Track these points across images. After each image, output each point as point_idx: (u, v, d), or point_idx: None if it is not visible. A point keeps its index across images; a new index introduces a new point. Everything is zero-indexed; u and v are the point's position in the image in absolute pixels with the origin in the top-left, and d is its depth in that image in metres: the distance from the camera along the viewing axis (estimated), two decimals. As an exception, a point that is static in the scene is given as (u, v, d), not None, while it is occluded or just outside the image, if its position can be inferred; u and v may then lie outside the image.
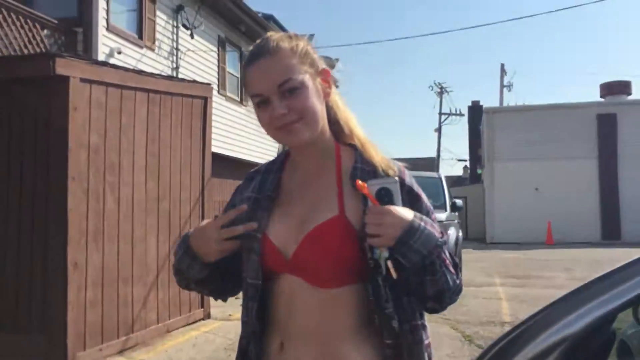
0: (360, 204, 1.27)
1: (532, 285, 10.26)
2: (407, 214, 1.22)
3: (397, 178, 1.28)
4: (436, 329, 6.66)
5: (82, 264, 4.96)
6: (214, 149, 7.90)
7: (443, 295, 1.27)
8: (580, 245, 19.52)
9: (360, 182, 1.24)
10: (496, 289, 10.08)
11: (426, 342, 1.31)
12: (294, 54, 1.31)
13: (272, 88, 1.28)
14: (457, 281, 1.29)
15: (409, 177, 1.36)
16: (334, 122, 1.39)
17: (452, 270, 1.29)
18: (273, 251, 1.29)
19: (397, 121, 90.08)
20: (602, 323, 1.12)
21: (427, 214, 1.31)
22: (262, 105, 1.30)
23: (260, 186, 1.40)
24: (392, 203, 1.23)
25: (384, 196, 1.23)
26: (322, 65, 1.36)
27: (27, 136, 4.98)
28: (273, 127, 1.30)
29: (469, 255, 15.42)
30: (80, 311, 4.89)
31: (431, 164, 30.74)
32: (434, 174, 12.22)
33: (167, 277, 6.06)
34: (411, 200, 1.31)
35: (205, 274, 1.37)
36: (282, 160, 1.44)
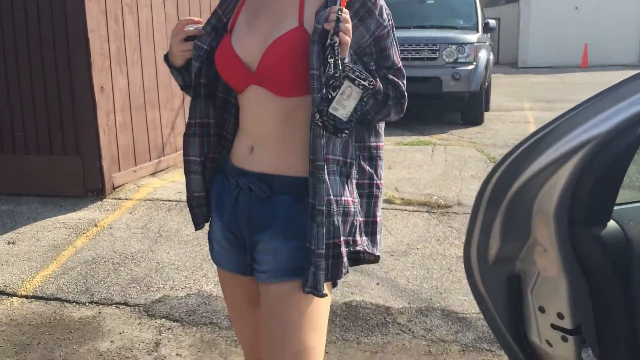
0: (320, 6, 1.31)
1: (561, 109, 10.01)
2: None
3: None
4: (461, 151, 6.72)
5: (108, 89, 4.97)
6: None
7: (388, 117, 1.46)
8: (616, 68, 18.91)
9: None
10: (525, 113, 9.99)
11: (379, 161, 1.47)
12: None
13: None
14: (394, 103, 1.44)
15: None
16: None
17: (389, 97, 1.42)
18: (239, 65, 1.38)
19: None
20: (629, 124, 1.07)
21: (377, 30, 1.35)
22: None
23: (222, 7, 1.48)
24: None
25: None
26: None
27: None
28: None
29: (498, 80, 15.13)
30: (111, 134, 5.01)
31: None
32: (466, -7, 11.54)
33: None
34: (363, 13, 1.33)
35: (187, 82, 1.56)
36: None
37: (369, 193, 1.45)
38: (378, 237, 1.46)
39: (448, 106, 8.99)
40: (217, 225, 1.53)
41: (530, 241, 1.17)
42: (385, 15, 1.36)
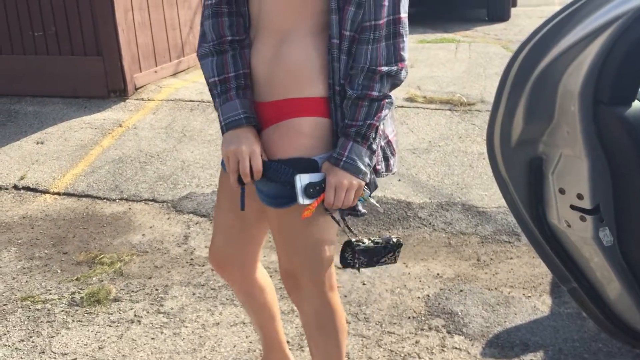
0: None
1: (593, 3, 9.69)
2: (349, 178, 1.32)
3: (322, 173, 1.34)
4: (486, 49, 6.55)
5: (124, -13, 4.88)
6: None
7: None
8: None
9: (306, 209, 1.33)
10: (554, 8, 9.59)
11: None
12: None
13: None
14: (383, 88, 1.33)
15: None
16: None
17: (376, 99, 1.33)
18: None
19: None
20: None
21: None
22: None
23: None
24: (323, 189, 1.33)
25: (315, 188, 1.32)
26: None
27: None
28: None
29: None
30: (130, 34, 4.96)
31: None
32: None
33: None
34: None
35: None
36: None
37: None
38: (392, 160, 1.49)
39: (474, 1, 8.68)
40: None
41: (554, 122, 1.17)
42: None
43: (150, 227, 3.14)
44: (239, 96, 1.38)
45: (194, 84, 5.36)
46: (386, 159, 1.47)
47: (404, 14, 1.30)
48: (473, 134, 4.15)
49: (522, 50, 1.14)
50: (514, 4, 9.25)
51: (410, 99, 4.78)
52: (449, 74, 5.55)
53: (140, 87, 5.12)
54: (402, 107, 4.61)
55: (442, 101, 4.78)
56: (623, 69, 1.08)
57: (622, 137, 1.12)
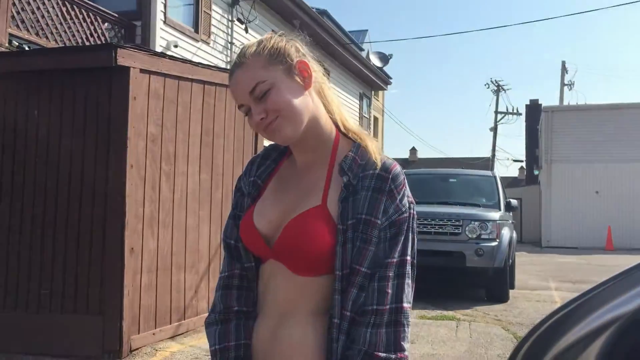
0: (340, 193, 1.33)
1: (589, 289, 9.92)
2: None
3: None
4: (487, 329, 6.53)
5: (137, 250, 5.09)
6: (266, 142, 7.97)
7: None
8: (641, 251, 18.76)
9: None
10: (551, 293, 9.81)
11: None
12: (260, 57, 1.35)
13: (247, 97, 1.34)
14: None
15: (396, 175, 1.35)
16: (330, 112, 1.43)
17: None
18: (258, 239, 1.38)
19: (451, 119, 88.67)
20: None
21: (395, 214, 1.33)
22: (248, 114, 1.37)
23: (257, 170, 1.49)
24: None
25: None
26: (297, 57, 1.38)
27: (89, 124, 5.14)
28: (260, 131, 1.38)
29: (523, 259, 15.05)
30: (135, 295, 5.03)
31: (486, 164, 30.11)
32: (487, 172, 11.96)
33: (218, 266, 6.16)
34: (386, 199, 1.33)
35: None
36: (285, 147, 1.48)
37: None
38: None
39: (472, 281, 8.91)
40: None
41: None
42: (406, 201, 1.35)
43: None
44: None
45: (191, 347, 5.25)
46: None
47: (407, 304, 1.31)
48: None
49: (523, 346, 1.15)
50: (512, 286, 9.46)
51: (411, 378, 4.62)
52: (450, 353, 5.44)
53: (136, 349, 5.01)
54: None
55: (444, 382, 4.60)
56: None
57: None
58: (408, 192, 1.37)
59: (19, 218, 5.19)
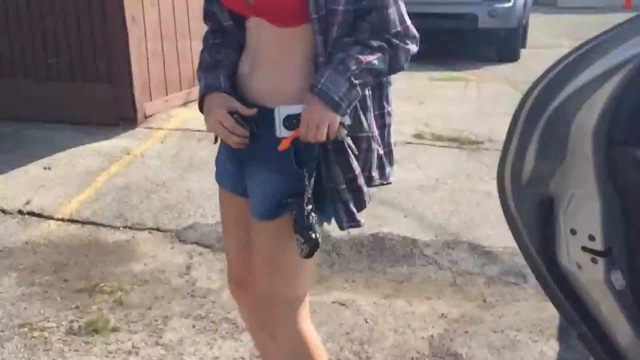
0: None
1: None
2: (321, 110, 1.31)
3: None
4: (495, 88, 6.58)
5: (139, 19, 4.96)
6: None
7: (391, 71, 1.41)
8: (662, 7, 18.06)
9: (281, 142, 1.35)
10: (563, 50, 9.54)
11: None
12: None
13: None
14: (387, 54, 1.36)
15: None
16: None
17: (377, 56, 1.35)
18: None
19: None
20: None
21: None
22: None
23: None
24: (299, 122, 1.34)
25: (293, 121, 1.34)
26: None
27: None
28: None
29: (537, 19, 14.57)
30: (142, 63, 5.02)
31: None
32: None
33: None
34: None
35: None
36: None
37: (380, 124, 1.47)
38: (388, 170, 1.50)
39: (484, 41, 8.78)
40: (223, 147, 1.62)
41: (566, 161, 1.15)
42: None
43: (153, 257, 3.11)
44: (223, 74, 1.48)
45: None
46: (382, 167, 1.48)
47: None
48: (480, 173, 4.12)
49: (535, 88, 1.12)
50: (524, 46, 9.33)
51: (418, 136, 4.78)
52: (457, 111, 5.55)
53: (150, 116, 5.15)
54: (410, 143, 4.61)
55: (450, 138, 4.77)
56: (638, 110, 1.06)
57: (636, 178, 1.10)
58: None
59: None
